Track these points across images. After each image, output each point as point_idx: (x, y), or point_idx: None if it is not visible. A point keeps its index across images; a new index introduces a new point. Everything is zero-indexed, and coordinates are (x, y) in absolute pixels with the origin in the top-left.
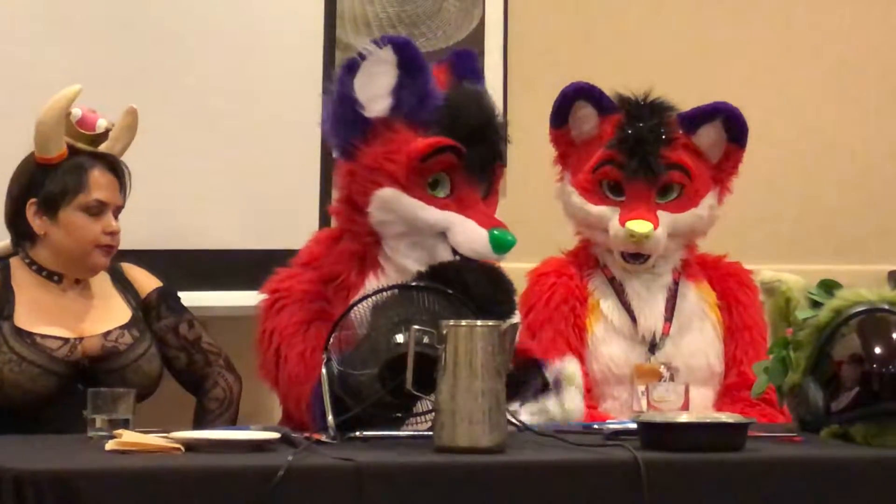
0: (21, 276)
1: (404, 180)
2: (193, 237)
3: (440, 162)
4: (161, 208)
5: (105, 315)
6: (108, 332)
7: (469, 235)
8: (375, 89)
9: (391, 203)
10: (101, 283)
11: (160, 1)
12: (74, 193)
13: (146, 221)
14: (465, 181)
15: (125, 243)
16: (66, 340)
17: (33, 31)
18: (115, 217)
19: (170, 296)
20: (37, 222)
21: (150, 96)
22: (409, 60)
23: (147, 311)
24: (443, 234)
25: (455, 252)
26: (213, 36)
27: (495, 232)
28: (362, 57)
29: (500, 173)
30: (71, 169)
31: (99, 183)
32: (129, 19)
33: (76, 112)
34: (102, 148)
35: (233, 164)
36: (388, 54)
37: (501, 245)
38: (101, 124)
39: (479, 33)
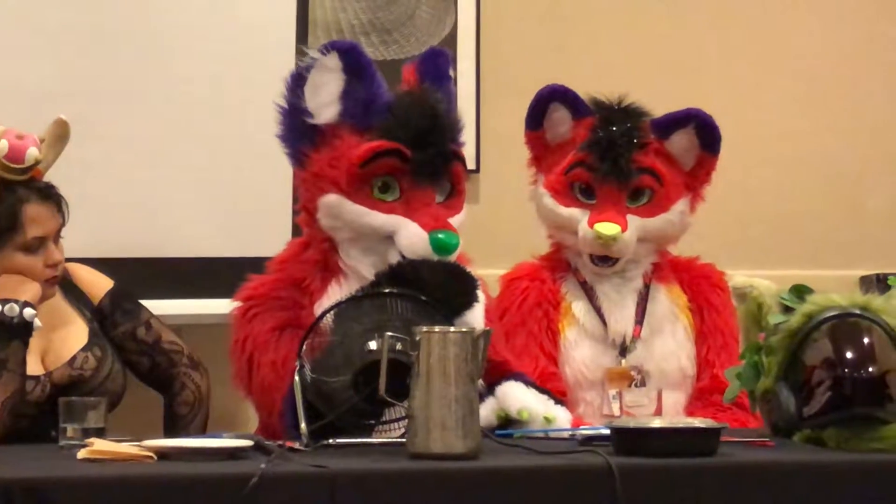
0: None
1: (346, 186)
2: (168, 245)
3: (382, 166)
4: (136, 217)
5: (65, 336)
6: (73, 359)
7: (411, 239)
8: (323, 97)
9: (335, 209)
10: (54, 298)
11: (134, 11)
12: (10, 234)
13: (121, 230)
14: (413, 184)
15: (101, 252)
16: (38, 380)
17: (12, 42)
18: (59, 236)
19: (123, 298)
20: None
21: (126, 106)
22: (354, 65)
23: (102, 318)
24: (391, 238)
25: (403, 256)
26: (188, 45)
27: (437, 235)
28: (308, 66)
29: (460, 174)
30: (3, 209)
31: (34, 219)
32: (104, 29)
33: (3, 145)
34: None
35: (206, 172)
36: (333, 61)
37: (442, 247)
38: (32, 154)
39: (451, 40)
